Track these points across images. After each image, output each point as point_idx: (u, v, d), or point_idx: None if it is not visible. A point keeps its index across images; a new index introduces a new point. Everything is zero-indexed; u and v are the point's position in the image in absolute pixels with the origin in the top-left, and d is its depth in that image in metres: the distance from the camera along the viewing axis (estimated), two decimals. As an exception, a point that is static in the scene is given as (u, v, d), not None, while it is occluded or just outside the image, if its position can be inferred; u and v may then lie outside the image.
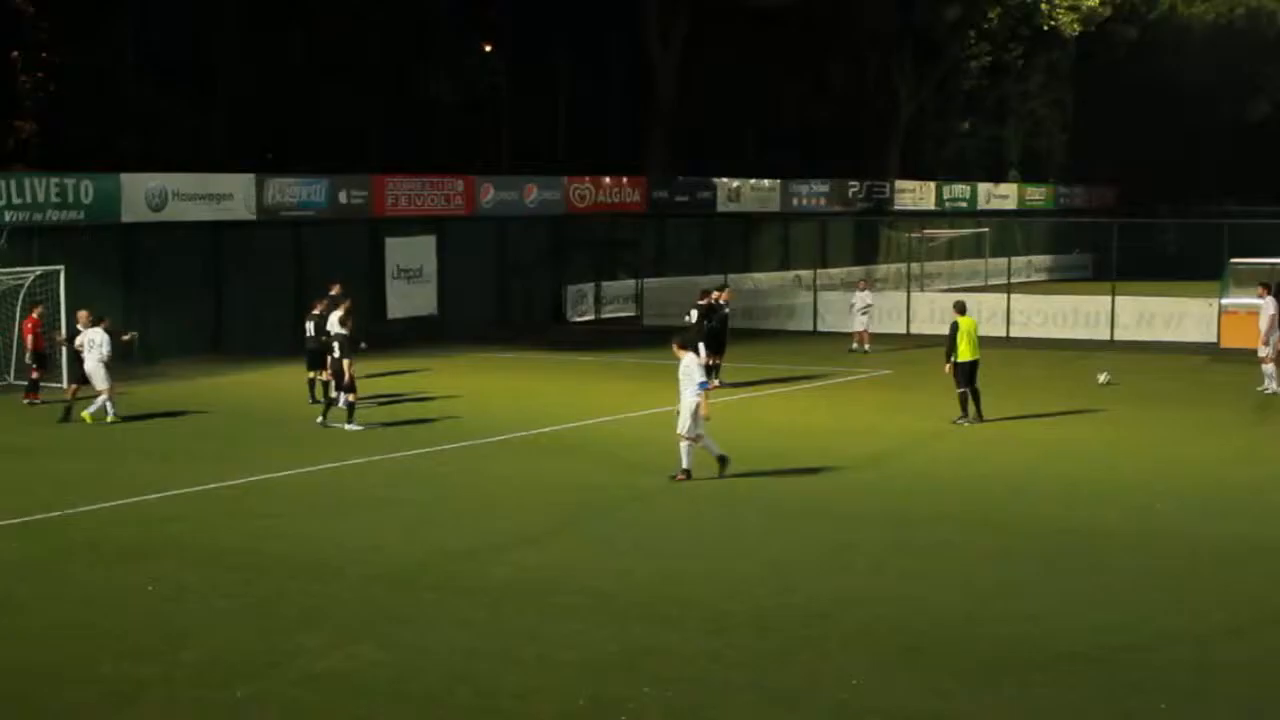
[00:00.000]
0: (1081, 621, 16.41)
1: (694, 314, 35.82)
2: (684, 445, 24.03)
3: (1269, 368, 34.95)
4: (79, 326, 32.23)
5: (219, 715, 13.66)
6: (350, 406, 29.66)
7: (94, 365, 30.92)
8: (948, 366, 30.68)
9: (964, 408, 30.68)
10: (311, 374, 32.76)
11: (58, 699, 14.17)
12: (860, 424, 30.93)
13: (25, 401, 33.78)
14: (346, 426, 29.35)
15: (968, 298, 37.63)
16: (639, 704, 13.79)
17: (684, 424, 23.98)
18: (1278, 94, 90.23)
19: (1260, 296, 36.36)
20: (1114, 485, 24.31)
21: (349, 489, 23.06)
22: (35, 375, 34.23)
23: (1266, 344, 35.13)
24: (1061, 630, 16.06)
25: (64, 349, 33.76)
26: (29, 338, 34.51)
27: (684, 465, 24.07)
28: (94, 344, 31.00)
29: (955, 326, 30.85)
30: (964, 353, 30.67)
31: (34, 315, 34.78)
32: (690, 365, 24.15)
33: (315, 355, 32.21)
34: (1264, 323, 35.45)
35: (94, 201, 40.64)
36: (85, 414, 30.74)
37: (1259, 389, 35.00)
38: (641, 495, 23.43)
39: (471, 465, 26.11)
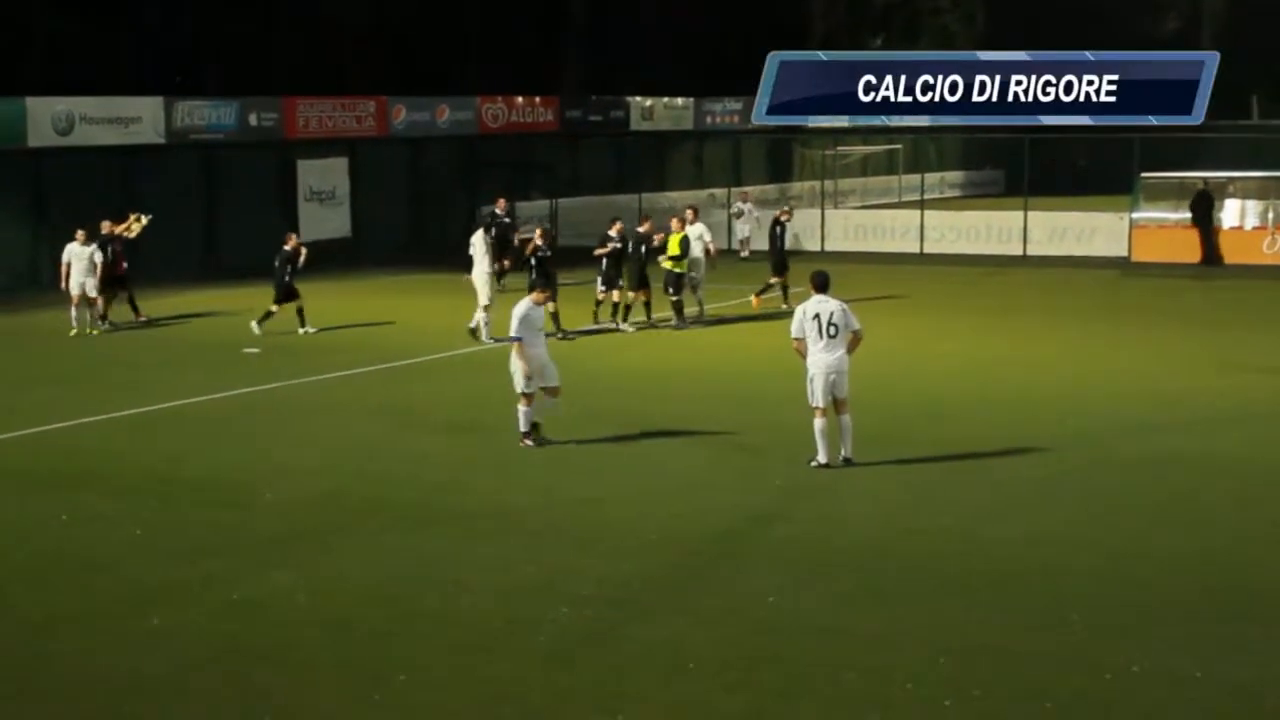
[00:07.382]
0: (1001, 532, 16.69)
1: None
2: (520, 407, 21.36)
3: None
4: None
5: (136, 644, 13.62)
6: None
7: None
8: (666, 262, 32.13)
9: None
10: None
11: (-28, 631, 14.11)
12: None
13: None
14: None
15: (880, 214, 37.78)
16: (558, 624, 13.87)
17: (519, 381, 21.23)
18: (1185, 10, 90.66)
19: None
20: (1030, 400, 24.56)
21: (263, 414, 22.94)
22: None
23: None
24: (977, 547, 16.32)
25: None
26: None
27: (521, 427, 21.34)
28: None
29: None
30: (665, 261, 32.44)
31: None
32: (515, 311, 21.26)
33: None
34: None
35: (-2, 126, 40.05)
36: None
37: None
38: (560, 417, 23.41)
39: (389, 388, 26.05)
